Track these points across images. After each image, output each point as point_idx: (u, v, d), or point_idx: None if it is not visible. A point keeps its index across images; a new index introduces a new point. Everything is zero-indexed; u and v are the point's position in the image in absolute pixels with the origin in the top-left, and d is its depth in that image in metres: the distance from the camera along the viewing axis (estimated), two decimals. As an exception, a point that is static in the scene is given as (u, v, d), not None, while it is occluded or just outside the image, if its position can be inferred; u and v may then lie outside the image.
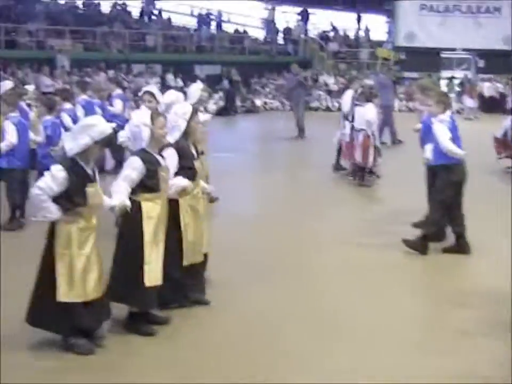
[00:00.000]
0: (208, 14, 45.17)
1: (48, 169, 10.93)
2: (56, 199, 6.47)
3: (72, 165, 6.52)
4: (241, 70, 38.17)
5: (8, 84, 14.14)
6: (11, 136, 11.18)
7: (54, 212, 6.43)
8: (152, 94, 10.25)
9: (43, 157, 11.71)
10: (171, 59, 37.42)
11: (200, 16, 44.98)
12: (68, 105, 14.09)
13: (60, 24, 34.76)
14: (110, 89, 17.45)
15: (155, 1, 44.83)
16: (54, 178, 6.43)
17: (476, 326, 7.76)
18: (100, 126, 6.64)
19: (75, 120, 13.51)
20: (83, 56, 33.46)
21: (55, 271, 6.57)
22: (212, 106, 33.10)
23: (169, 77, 35.87)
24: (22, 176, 11.52)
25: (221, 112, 32.77)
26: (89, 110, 14.86)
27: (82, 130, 6.58)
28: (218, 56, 40.29)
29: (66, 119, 13.59)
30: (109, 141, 6.80)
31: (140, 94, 10.81)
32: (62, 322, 6.70)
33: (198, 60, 39.07)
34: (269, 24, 48.99)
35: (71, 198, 6.49)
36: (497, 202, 13.57)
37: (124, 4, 41.95)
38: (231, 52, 42.43)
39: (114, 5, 41.39)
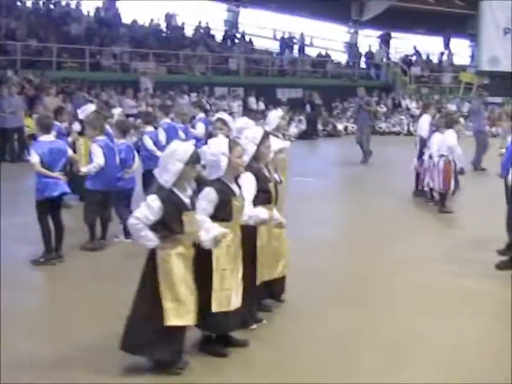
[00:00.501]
0: (290, 38, 45.11)
1: (122, 191, 11.23)
2: (154, 227, 6.53)
3: (169, 194, 6.54)
4: (323, 93, 37.90)
5: (90, 107, 14.32)
6: (99, 158, 11.28)
7: (152, 239, 6.50)
8: (223, 121, 10.13)
9: (118, 179, 11.76)
10: (253, 82, 37.33)
11: (282, 40, 44.93)
12: (149, 128, 14.21)
13: (143, 47, 34.95)
14: (193, 113, 17.42)
15: (238, 25, 45.09)
16: (149, 208, 6.47)
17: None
18: (182, 147, 6.62)
19: (156, 143, 13.82)
20: (166, 78, 33.57)
21: (155, 297, 6.58)
22: (293, 129, 32.99)
23: (251, 100, 35.81)
24: (104, 198, 11.58)
25: (302, 136, 32.55)
26: (171, 134, 14.85)
27: (168, 159, 6.56)
28: (300, 80, 40.12)
29: (148, 142, 13.76)
30: (197, 158, 6.69)
31: (212, 120, 10.70)
32: (163, 347, 6.67)
33: (280, 83, 38.90)
34: (352, 47, 48.78)
35: (168, 226, 6.53)
36: None
37: (207, 27, 42.10)
38: (313, 76, 42.20)
39: (198, 28, 41.58)
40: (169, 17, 40.64)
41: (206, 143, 15.65)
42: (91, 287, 9.60)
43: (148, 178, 13.77)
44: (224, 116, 10.60)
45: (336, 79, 42.10)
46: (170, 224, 6.53)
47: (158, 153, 13.47)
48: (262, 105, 35.80)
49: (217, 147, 7.02)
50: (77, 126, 15.14)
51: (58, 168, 10.62)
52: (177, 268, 6.58)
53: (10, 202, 13.10)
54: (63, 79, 28.74)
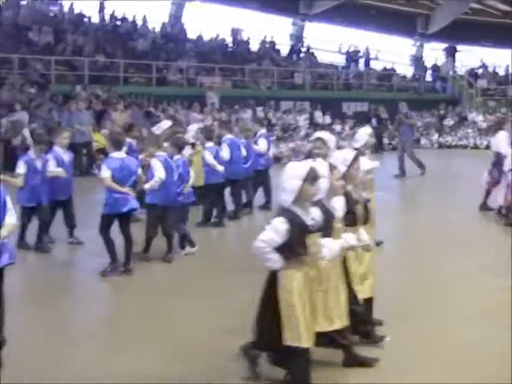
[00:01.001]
0: (356, 51, 44.61)
1: (182, 206, 11.75)
2: (279, 248, 6.38)
3: (293, 216, 6.36)
4: (389, 107, 37.20)
5: (166, 123, 14.63)
6: (160, 172, 11.31)
7: (277, 261, 6.38)
8: (323, 141, 9.81)
9: (178, 194, 11.81)
10: (319, 96, 36.98)
11: (348, 53, 44.47)
12: (210, 144, 14.49)
13: (209, 62, 34.83)
14: (255, 129, 17.25)
15: (303, 39, 44.77)
16: (276, 231, 6.34)
17: None
18: (299, 165, 6.46)
19: (217, 158, 14.31)
20: (232, 93, 33.37)
21: (276, 317, 6.46)
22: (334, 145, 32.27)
23: (317, 114, 35.43)
24: (163, 212, 11.56)
25: (367, 150, 31.92)
26: (234, 149, 15.15)
27: (286, 178, 6.38)
28: (366, 93, 39.71)
29: (209, 157, 14.16)
30: (315, 175, 6.41)
31: (311, 139, 10.35)
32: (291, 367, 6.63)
33: (346, 97, 38.48)
34: (417, 61, 48.13)
35: (292, 248, 6.38)
36: None
37: (272, 41, 41.78)
38: (378, 89, 41.75)
39: (263, 43, 41.32)
40: (235, 32, 40.54)
41: (268, 158, 16.08)
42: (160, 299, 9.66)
43: (208, 193, 13.95)
44: (323, 134, 10.17)
45: (402, 93, 41.37)
46: (294, 246, 6.37)
47: (219, 167, 14.25)
48: (327, 119, 35.38)
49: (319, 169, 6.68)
50: None
51: (128, 184, 10.67)
52: (298, 288, 6.41)
53: (79, 215, 13.01)
54: (130, 94, 28.69)
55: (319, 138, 9.92)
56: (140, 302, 9.60)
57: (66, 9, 35.09)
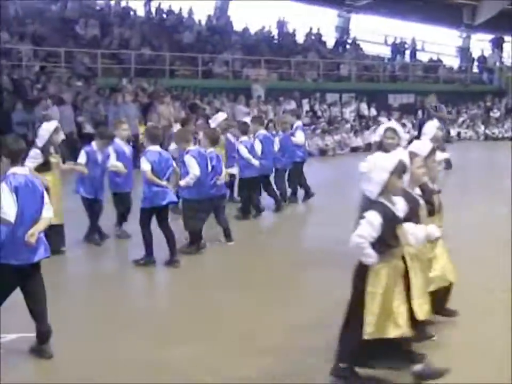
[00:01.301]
0: (402, 43, 44.02)
1: (215, 198, 11.91)
2: (372, 242, 6.35)
3: (384, 208, 6.36)
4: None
5: (222, 116, 15.28)
6: (194, 170, 11.32)
7: (373, 256, 6.30)
8: (394, 131, 9.83)
9: (211, 186, 11.85)
10: (364, 88, 36.57)
11: (394, 45, 43.89)
12: (244, 138, 14.58)
13: (255, 54, 34.52)
14: (292, 121, 17.24)
15: (349, 31, 44.35)
16: (371, 225, 6.30)
17: None
18: (387, 157, 6.53)
19: (251, 152, 14.37)
20: (278, 85, 33.07)
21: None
22: (405, 135, 31.82)
23: (363, 106, 35.02)
24: (200, 206, 11.63)
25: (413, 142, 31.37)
26: (267, 144, 15.18)
27: (373, 170, 6.42)
28: (412, 85, 39.10)
29: (243, 150, 14.30)
30: (403, 168, 6.44)
31: (381, 131, 10.11)
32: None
33: (392, 89, 37.94)
34: (464, 52, 47.40)
35: (386, 241, 6.36)
36: None
37: (318, 33, 41.37)
38: (425, 81, 41.09)
39: (309, 35, 40.91)
40: (280, 24, 40.22)
41: (304, 150, 15.97)
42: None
43: (243, 186, 14.59)
44: (393, 125, 10.25)
45: (448, 84, 40.88)
46: (387, 238, 6.34)
47: (254, 161, 14.31)
48: (373, 111, 34.95)
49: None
50: None
51: (166, 177, 10.82)
52: (388, 281, 6.39)
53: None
54: (175, 87, 28.50)
55: (389, 128, 9.94)
56: (193, 295, 9.51)
57: (112, 2, 35.04)
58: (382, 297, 6.34)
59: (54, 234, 10.47)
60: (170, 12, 36.33)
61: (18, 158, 6.99)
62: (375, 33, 45.98)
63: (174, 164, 11.23)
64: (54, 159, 11.04)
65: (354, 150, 29.64)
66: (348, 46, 42.75)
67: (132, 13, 35.37)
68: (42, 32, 28.84)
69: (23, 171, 6.99)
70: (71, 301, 9.12)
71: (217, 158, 12.10)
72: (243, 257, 11.70)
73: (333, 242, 12.01)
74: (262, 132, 15.42)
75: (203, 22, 37.13)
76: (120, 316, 8.54)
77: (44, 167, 10.79)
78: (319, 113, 32.56)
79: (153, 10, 36.09)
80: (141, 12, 35.78)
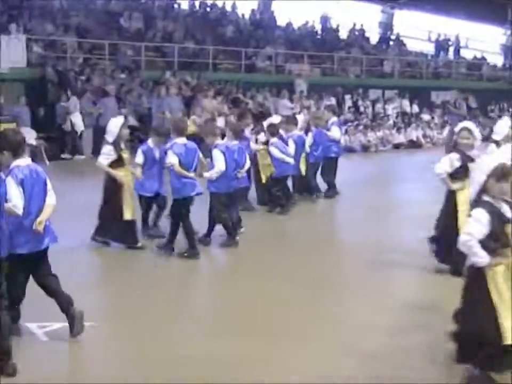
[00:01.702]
0: (445, 40, 43.47)
1: (236, 190, 11.89)
2: (481, 242, 6.15)
3: (490, 206, 6.18)
4: (478, 96, 36.60)
5: (275, 119, 15.78)
6: (220, 164, 11.29)
7: (483, 256, 6.12)
8: (469, 130, 9.65)
9: (231, 179, 11.77)
10: (407, 85, 36.15)
11: (437, 42, 43.36)
12: (274, 139, 14.53)
13: (298, 49, 34.30)
14: (329, 117, 17.16)
15: (393, 27, 43.91)
16: (479, 222, 6.13)
17: None
18: (488, 161, 6.40)
19: (284, 151, 14.48)
20: (320, 81, 32.75)
21: (487, 314, 6.15)
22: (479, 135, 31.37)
23: (405, 103, 34.59)
24: (227, 199, 11.68)
25: (456, 139, 30.90)
26: (299, 144, 15.31)
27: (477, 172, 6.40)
28: (455, 82, 38.49)
29: (274, 152, 14.32)
30: (503, 172, 6.15)
31: (456, 130, 9.89)
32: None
33: (435, 86, 37.42)
34: (508, 50, 46.70)
35: (495, 240, 6.14)
36: None
37: (361, 29, 40.96)
38: (468, 78, 40.55)
39: (352, 30, 40.56)
40: (324, 19, 39.86)
41: (339, 146, 16.22)
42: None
43: (277, 185, 14.47)
44: (469, 125, 9.98)
45: (492, 82, 40.29)
46: (496, 237, 6.12)
47: (288, 159, 14.44)
48: (416, 108, 34.53)
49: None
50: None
51: (193, 169, 10.87)
52: (506, 283, 6.16)
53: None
54: (219, 81, 28.30)
55: (465, 128, 9.71)
56: (254, 289, 9.35)
57: (156, -5, 34.89)
58: (508, 301, 6.11)
59: (128, 230, 10.96)
60: (213, 5, 36.06)
61: (19, 149, 7.00)
62: (418, 29, 45.63)
63: (201, 155, 11.17)
64: (125, 154, 11.05)
65: (397, 146, 29.31)
66: (391, 42, 42.37)
67: (175, 6, 35.24)
68: (87, 24, 28.77)
69: (26, 162, 7.04)
70: (118, 292, 9.15)
71: (240, 151, 12.15)
72: (293, 252, 11.48)
73: (375, 238, 11.83)
74: (296, 132, 15.50)
75: (246, 16, 36.96)
76: (173, 311, 8.48)
77: (117, 162, 10.83)
78: (362, 109, 32.19)
79: (196, 3, 35.86)
80: (184, 5, 35.63)
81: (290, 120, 15.93)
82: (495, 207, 6.15)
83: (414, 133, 30.63)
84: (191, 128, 17.33)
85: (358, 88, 33.73)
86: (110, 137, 10.81)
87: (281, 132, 15.07)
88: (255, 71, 31.55)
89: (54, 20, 27.66)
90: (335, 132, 16.49)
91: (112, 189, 10.83)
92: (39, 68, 23.82)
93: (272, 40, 34.47)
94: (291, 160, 14.36)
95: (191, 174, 10.71)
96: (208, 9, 36.06)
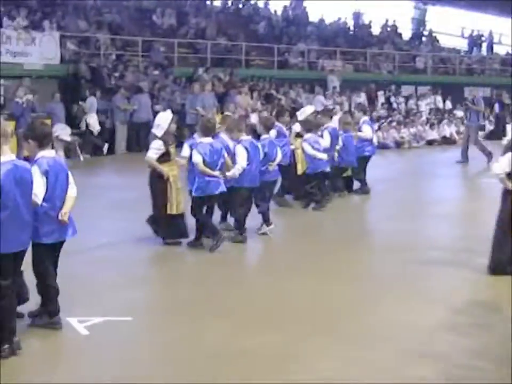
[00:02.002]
0: (479, 36, 43.07)
1: (266, 183, 11.84)
2: None
3: None
4: (512, 93, 36.05)
5: (309, 109, 15.62)
6: (242, 161, 11.24)
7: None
8: None
9: (261, 172, 11.79)
10: (440, 81, 35.79)
11: (471, 38, 42.96)
12: (308, 135, 14.30)
13: (331, 45, 34.17)
14: (359, 117, 17.17)
15: (426, 23, 43.59)
16: None
17: None
18: None
19: (317, 147, 14.16)
20: (353, 77, 32.57)
21: None
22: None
23: (438, 99, 34.21)
24: (248, 193, 11.60)
25: (489, 136, 30.50)
26: (334, 138, 15.09)
27: None
28: (488, 79, 38.27)
29: (307, 148, 14.05)
30: None
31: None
32: None
33: (468, 82, 36.99)
34: (542, 45, 46.21)
35: None
36: None
37: (394, 25, 40.64)
38: (502, 74, 39.99)
39: (385, 26, 40.27)
40: (356, 15, 39.68)
41: (371, 144, 15.82)
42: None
43: (309, 179, 14.24)
44: None
45: (526, 78, 39.74)
46: None
47: (320, 155, 14.11)
48: (449, 104, 34.15)
49: None
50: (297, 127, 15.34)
51: (218, 168, 10.83)
52: None
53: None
54: (251, 77, 28.17)
55: None
56: (290, 283, 9.17)
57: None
58: None
59: (173, 224, 10.90)
60: (246, 1, 36.02)
61: (44, 141, 7.14)
62: (451, 25, 45.25)
63: (226, 154, 11.10)
64: (172, 149, 11.01)
65: (430, 143, 28.97)
66: (424, 38, 42.03)
67: (208, 2, 35.19)
68: (120, 21, 28.77)
69: (51, 154, 7.19)
70: (162, 291, 9.19)
71: (271, 145, 12.14)
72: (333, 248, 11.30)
73: (410, 236, 11.63)
74: (331, 125, 15.34)
75: (279, 13, 36.78)
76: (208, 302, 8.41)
77: (165, 157, 10.80)
78: (395, 106, 31.92)
79: (229, 0, 35.80)
80: (217, 2, 35.63)
81: (326, 113, 15.83)
82: None
83: (447, 129, 30.27)
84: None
85: (391, 84, 33.52)
86: (159, 131, 10.78)
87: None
88: (287, 67, 31.38)
89: (87, 17, 27.66)
90: (366, 131, 16.30)
91: (158, 184, 10.77)
92: (73, 65, 23.77)
93: (304, 36, 34.32)
94: (324, 156, 14.13)
95: (216, 173, 10.71)
96: (240, 5, 36.06)
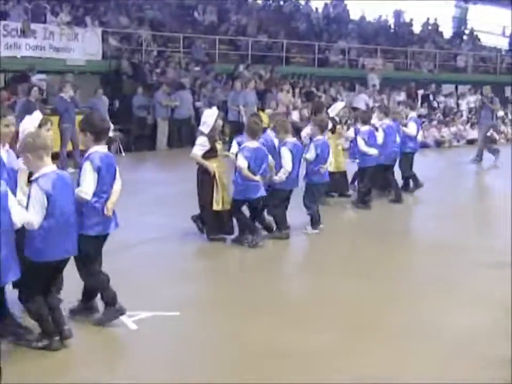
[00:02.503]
0: (520, 34, 42.65)
1: (317, 185, 11.79)
2: None
3: None
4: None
5: (340, 105, 15.76)
6: (287, 164, 11.22)
7: None
8: None
9: (312, 173, 11.80)
10: (481, 80, 35.27)
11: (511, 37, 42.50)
12: (365, 128, 14.21)
13: (371, 43, 33.98)
14: (407, 113, 17.02)
15: (467, 21, 43.23)
16: None
17: None
18: None
19: (371, 142, 14.11)
20: (394, 75, 32.40)
21: None
22: None
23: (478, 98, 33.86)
24: (287, 195, 11.55)
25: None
26: (389, 134, 14.90)
27: None
28: (529, 78, 37.61)
29: (360, 142, 14.01)
30: None
31: None
32: None
33: (508, 81, 36.51)
34: None
35: None
36: None
37: (435, 23, 40.29)
38: (543, 74, 39.48)
39: (426, 25, 39.94)
40: (397, 14, 39.41)
41: (416, 142, 14.27)
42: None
43: (362, 175, 14.26)
44: None
45: None
46: None
47: (371, 151, 14.01)
48: (489, 104, 33.72)
49: None
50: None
51: (260, 173, 10.78)
52: None
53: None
54: (292, 75, 28.04)
55: None
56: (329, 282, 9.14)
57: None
58: None
59: (217, 220, 10.87)
60: (287, -1, 35.99)
61: (101, 136, 7.17)
62: (492, 24, 44.70)
63: (270, 159, 11.05)
64: (219, 145, 11.01)
65: (470, 142, 28.64)
66: (465, 37, 41.68)
67: (249, 0, 35.07)
68: (161, 18, 28.82)
69: (103, 149, 7.20)
70: (209, 286, 9.21)
71: (324, 146, 11.92)
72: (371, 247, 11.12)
73: (455, 236, 11.60)
74: (386, 121, 15.12)
75: (319, 10, 36.62)
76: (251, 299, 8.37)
77: (209, 153, 10.78)
78: (435, 104, 31.63)
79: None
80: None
81: (382, 109, 15.69)
82: None
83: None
84: (266, 122, 17.27)
85: (431, 83, 33.12)
86: (205, 128, 10.74)
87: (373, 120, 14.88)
88: (328, 65, 31.26)
89: (128, 13, 27.76)
90: (412, 128, 16.09)
91: (204, 180, 10.77)
92: (115, 61, 23.85)
93: (345, 34, 34.21)
94: (375, 152, 13.97)
95: (257, 178, 10.65)
96: (281, 3, 36.00)
